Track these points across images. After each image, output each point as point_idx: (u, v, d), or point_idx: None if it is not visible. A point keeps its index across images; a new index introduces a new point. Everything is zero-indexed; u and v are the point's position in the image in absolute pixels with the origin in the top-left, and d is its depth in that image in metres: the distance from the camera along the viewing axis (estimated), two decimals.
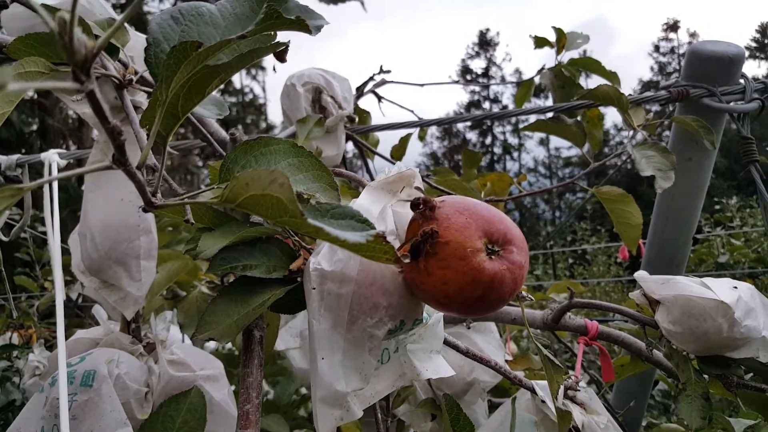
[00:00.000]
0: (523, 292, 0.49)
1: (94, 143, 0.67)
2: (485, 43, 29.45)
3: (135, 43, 0.55)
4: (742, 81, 1.04)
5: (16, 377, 1.75)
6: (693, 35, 27.74)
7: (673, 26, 28.12)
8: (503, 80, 28.34)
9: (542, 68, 1.15)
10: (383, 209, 0.46)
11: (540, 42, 1.21)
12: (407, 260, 0.36)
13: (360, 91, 1.08)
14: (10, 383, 1.74)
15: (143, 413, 0.65)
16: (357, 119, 0.85)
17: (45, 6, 0.38)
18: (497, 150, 28.28)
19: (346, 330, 0.43)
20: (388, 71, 0.99)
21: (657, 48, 28.33)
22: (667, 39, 28.32)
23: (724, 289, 0.68)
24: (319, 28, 0.33)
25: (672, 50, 28.16)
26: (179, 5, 0.31)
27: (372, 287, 0.43)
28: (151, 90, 0.45)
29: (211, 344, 1.44)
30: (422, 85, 1.07)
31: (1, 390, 1.71)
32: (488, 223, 0.41)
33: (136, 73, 0.44)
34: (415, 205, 0.42)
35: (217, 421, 0.68)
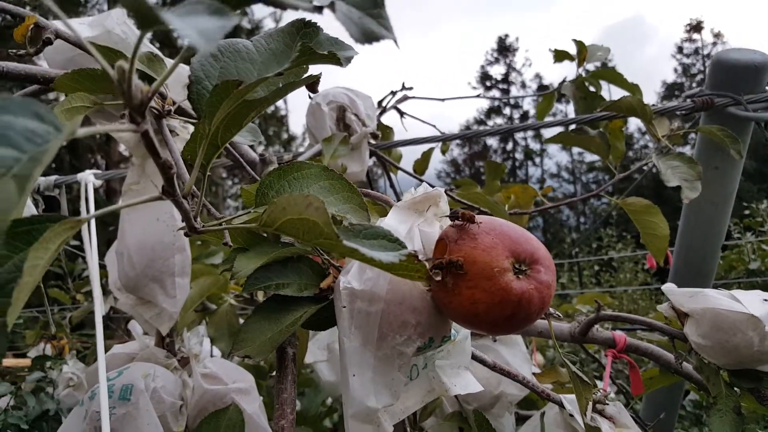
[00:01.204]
0: (551, 309, 0.49)
1: (130, 165, 0.69)
2: (504, 48, 29.38)
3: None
4: None
5: (49, 387, 1.79)
6: (717, 36, 27.29)
7: (696, 27, 27.69)
8: (523, 85, 28.21)
9: (564, 80, 1.16)
10: (410, 229, 0.47)
11: (560, 56, 1.21)
12: (438, 278, 0.38)
13: (382, 107, 1.10)
14: (44, 393, 1.79)
15: (178, 426, 0.67)
16: (380, 135, 0.87)
17: (95, 45, 0.40)
18: (519, 156, 28.11)
19: (376, 347, 0.44)
20: (410, 88, 1.01)
21: (681, 49, 27.91)
22: (690, 40, 27.89)
23: (754, 302, 0.67)
24: (349, 60, 0.34)
25: (696, 51, 27.71)
26: (218, 43, 0.33)
27: (401, 305, 0.44)
28: (181, 118, 0.48)
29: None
30: (443, 99, 1.08)
31: (36, 400, 1.76)
32: (515, 242, 0.42)
33: (173, 103, 0.46)
34: (454, 216, 0.43)
35: None
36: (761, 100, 1.01)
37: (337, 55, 0.32)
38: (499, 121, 27.79)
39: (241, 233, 0.47)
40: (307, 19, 0.34)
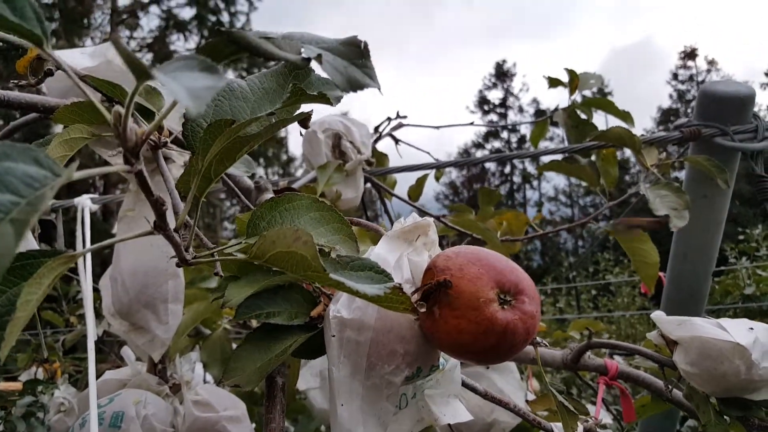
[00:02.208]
0: (537, 338, 0.50)
1: (127, 191, 0.70)
2: (502, 74, 29.73)
3: (166, 102, 0.59)
4: (754, 120, 1.05)
5: (40, 412, 1.77)
6: (711, 63, 27.68)
7: (690, 54, 28.11)
8: (521, 110, 28.48)
9: (556, 108, 1.18)
10: (399, 258, 0.48)
11: (554, 82, 1.24)
12: (423, 309, 0.38)
13: (378, 133, 1.11)
14: (35, 418, 1.77)
15: None
16: (375, 162, 0.88)
17: (95, 79, 0.42)
18: (517, 179, 28.24)
19: (365, 377, 0.45)
20: (405, 116, 1.03)
21: (675, 76, 28.28)
22: (685, 67, 28.28)
23: (740, 331, 0.68)
24: (339, 99, 0.36)
25: (690, 78, 28.08)
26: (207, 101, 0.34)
27: (389, 335, 0.45)
28: (177, 150, 0.49)
29: None
30: (438, 127, 1.10)
31: (26, 425, 1.74)
32: (500, 273, 0.43)
33: (170, 134, 0.48)
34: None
35: None
36: (747, 131, 1.04)
37: (327, 96, 0.34)
38: (497, 144, 27.98)
39: (233, 262, 0.48)
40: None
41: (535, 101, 28.25)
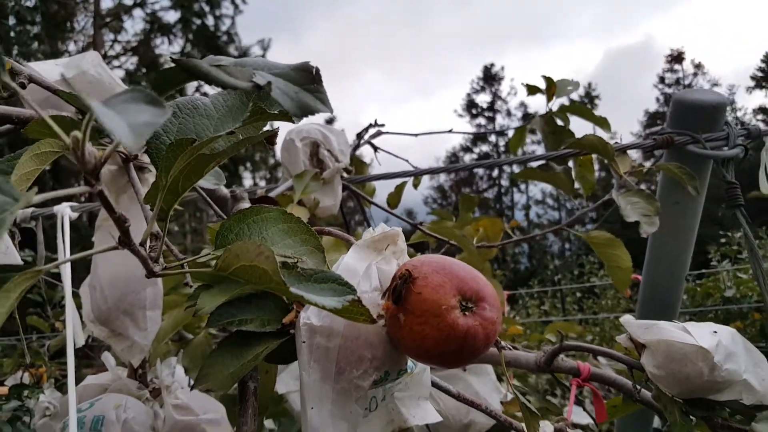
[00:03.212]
0: (502, 342, 0.52)
1: None
2: (490, 77, 29.89)
3: None
4: (725, 128, 1.08)
5: (26, 417, 1.77)
6: (698, 66, 28.00)
7: (677, 58, 28.42)
8: (508, 113, 28.62)
9: (534, 115, 1.20)
10: (368, 267, 0.49)
11: (532, 90, 1.26)
12: (381, 321, 0.40)
13: (359, 139, 1.13)
14: (21, 423, 1.77)
15: None
16: (353, 170, 0.90)
17: (60, 93, 0.43)
18: (504, 182, 28.38)
19: (334, 381, 0.46)
20: (383, 125, 1.05)
21: (662, 79, 28.58)
22: (672, 70, 28.58)
23: (704, 335, 0.70)
24: (301, 117, 0.37)
25: (677, 81, 28.38)
26: (177, 100, 0.36)
27: (357, 341, 0.46)
28: (147, 164, 0.50)
29: None
30: (416, 135, 1.12)
31: (12, 429, 1.73)
32: (462, 281, 0.44)
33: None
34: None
35: None
36: (719, 138, 1.06)
37: (288, 113, 0.35)
38: (485, 148, 28.09)
39: (200, 273, 0.49)
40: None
41: (523, 105, 28.41)
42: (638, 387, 0.77)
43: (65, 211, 0.83)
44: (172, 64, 0.30)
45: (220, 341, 0.49)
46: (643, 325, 0.75)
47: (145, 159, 0.62)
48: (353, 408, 0.47)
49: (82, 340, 1.17)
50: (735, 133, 1.07)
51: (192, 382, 1.08)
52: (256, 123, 0.38)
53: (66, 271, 0.57)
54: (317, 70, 0.30)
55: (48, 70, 0.61)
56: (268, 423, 1.29)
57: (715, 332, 0.71)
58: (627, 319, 0.78)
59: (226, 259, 0.34)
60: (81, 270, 0.76)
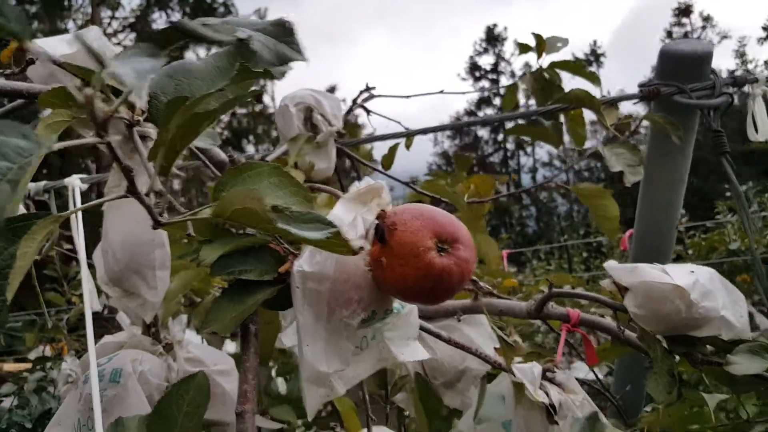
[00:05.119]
0: (480, 283, 0.56)
1: (112, 169, 0.76)
2: (493, 38, 29.40)
3: None
4: (712, 77, 1.10)
5: (50, 387, 1.86)
6: (707, 19, 27.36)
7: (685, 11, 27.77)
8: (512, 75, 28.22)
9: (524, 73, 1.22)
10: (355, 217, 0.54)
11: (524, 48, 1.28)
12: (362, 251, 0.44)
13: (354, 103, 1.16)
14: (46, 393, 1.86)
15: None
16: (347, 134, 0.94)
17: (71, 66, 0.47)
18: (510, 146, 28.18)
19: (326, 321, 0.51)
20: (373, 87, 1.08)
21: (669, 34, 27.98)
22: (679, 24, 27.96)
23: (681, 274, 0.74)
24: (283, 73, 0.41)
25: (685, 35, 27.77)
26: (172, 64, 0.40)
27: (346, 284, 0.51)
28: (149, 127, 0.54)
29: (230, 347, 1.53)
30: (407, 96, 1.15)
31: (38, 399, 1.83)
32: (439, 225, 0.49)
33: (143, 112, 0.53)
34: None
35: (230, 410, 0.76)
36: (705, 88, 1.08)
37: (270, 71, 0.39)
38: (489, 111, 27.82)
39: (207, 227, 0.54)
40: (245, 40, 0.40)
41: (527, 65, 28.00)
42: (622, 328, 0.82)
43: (75, 183, 0.87)
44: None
45: (222, 290, 0.54)
46: (626, 269, 0.79)
47: (146, 127, 0.66)
48: (344, 344, 0.52)
49: (98, 304, 1.23)
50: (721, 81, 1.09)
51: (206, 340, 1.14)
52: (243, 82, 0.41)
53: (79, 225, 0.62)
54: (291, 23, 0.34)
55: (54, 45, 0.64)
56: (280, 381, 1.36)
57: (692, 272, 0.75)
58: (611, 264, 0.82)
59: (222, 205, 0.38)
60: (90, 244, 0.81)
